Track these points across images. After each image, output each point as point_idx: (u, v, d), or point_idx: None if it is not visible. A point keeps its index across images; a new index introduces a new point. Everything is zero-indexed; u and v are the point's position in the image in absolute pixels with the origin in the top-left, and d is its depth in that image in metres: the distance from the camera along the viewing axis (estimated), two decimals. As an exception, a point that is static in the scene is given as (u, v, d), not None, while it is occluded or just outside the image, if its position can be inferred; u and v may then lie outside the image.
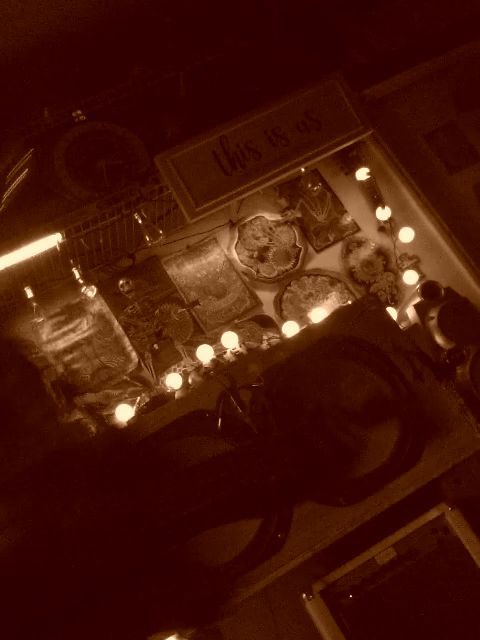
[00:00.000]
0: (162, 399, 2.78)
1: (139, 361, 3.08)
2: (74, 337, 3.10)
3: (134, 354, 3.09)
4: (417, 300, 3.04)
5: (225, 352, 2.93)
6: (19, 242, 2.68)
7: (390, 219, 3.32)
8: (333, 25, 3.38)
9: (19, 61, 3.02)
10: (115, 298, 3.17)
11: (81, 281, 2.95)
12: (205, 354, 2.94)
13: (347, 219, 3.41)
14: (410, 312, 3.03)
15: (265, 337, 3.05)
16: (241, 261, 3.30)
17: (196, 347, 3.00)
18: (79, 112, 3.03)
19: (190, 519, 1.50)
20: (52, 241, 2.74)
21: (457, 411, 2.32)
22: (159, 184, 2.84)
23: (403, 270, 3.28)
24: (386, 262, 3.34)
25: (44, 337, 3.08)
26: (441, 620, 2.12)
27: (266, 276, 3.29)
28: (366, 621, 2.11)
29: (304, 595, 2.11)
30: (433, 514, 2.22)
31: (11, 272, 2.76)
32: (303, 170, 3.06)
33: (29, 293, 2.93)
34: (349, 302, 3.15)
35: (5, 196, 2.77)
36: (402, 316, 3.11)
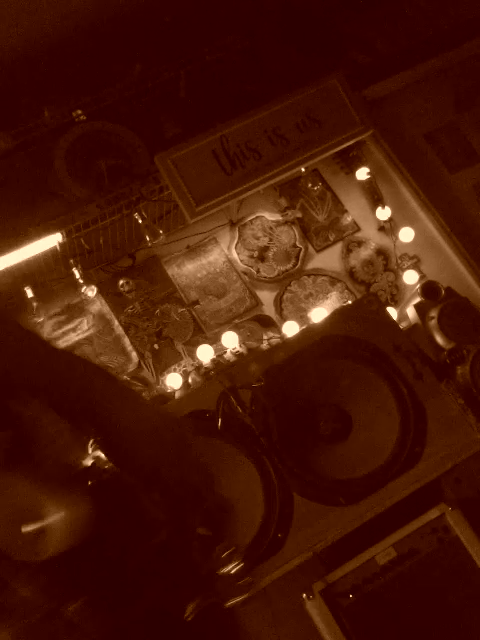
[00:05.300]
0: (162, 399, 2.78)
1: (139, 361, 3.08)
2: (74, 337, 3.10)
3: (134, 354, 3.09)
4: (417, 300, 3.04)
5: (225, 352, 2.93)
6: (19, 242, 2.68)
7: (390, 219, 3.32)
8: (333, 25, 3.37)
9: (19, 61, 3.02)
10: (115, 298, 3.17)
11: (81, 281, 2.95)
12: (205, 354, 2.94)
13: (347, 219, 3.41)
14: (410, 312, 3.03)
15: (265, 337, 3.05)
16: (241, 261, 3.29)
17: (196, 347, 3.00)
18: (79, 112, 3.03)
19: None
20: (52, 241, 2.74)
21: (457, 411, 2.32)
22: (159, 184, 2.84)
23: (403, 270, 3.28)
24: (386, 262, 3.34)
25: (44, 337, 3.08)
26: (441, 620, 2.12)
27: (266, 276, 3.29)
28: (366, 621, 2.10)
29: (304, 595, 2.10)
30: (433, 514, 2.21)
31: (11, 272, 2.76)
32: (303, 170, 3.06)
33: (29, 293, 2.93)
34: (349, 302, 3.14)
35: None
36: (402, 316, 3.11)
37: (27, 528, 0.92)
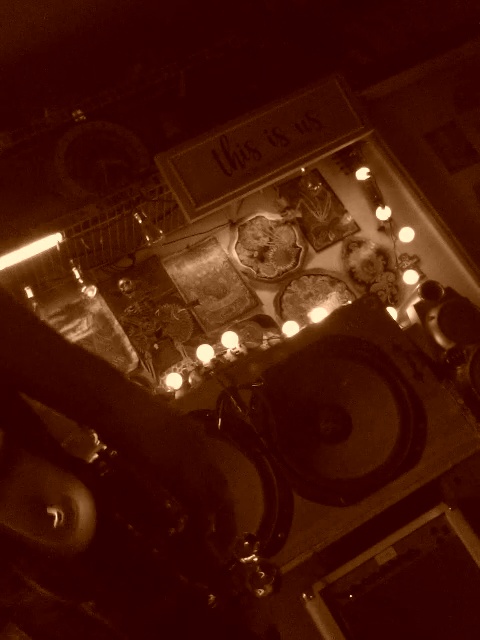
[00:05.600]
0: (162, 399, 2.78)
1: (139, 361, 3.08)
2: (74, 337, 3.10)
3: (134, 354, 3.09)
4: (417, 300, 3.04)
5: (225, 352, 2.93)
6: (19, 242, 2.68)
7: (390, 219, 3.31)
8: (333, 25, 3.37)
9: (19, 61, 3.02)
10: (115, 298, 3.17)
11: (81, 281, 2.95)
12: (205, 354, 2.93)
13: (347, 219, 3.41)
14: (410, 312, 3.03)
15: (265, 337, 3.05)
16: (241, 261, 3.29)
17: (196, 347, 3.00)
18: (79, 112, 3.03)
19: None
20: (52, 241, 2.74)
21: (457, 411, 2.32)
22: (159, 184, 2.84)
23: (403, 270, 3.28)
24: (386, 262, 3.34)
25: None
26: (441, 620, 2.12)
27: (266, 276, 3.29)
28: (366, 621, 2.10)
29: (304, 595, 2.10)
30: (433, 514, 2.21)
31: (11, 272, 2.76)
32: (303, 170, 3.06)
33: (29, 293, 2.93)
34: (349, 302, 3.14)
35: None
36: (402, 316, 3.11)
37: (53, 512, 0.89)
